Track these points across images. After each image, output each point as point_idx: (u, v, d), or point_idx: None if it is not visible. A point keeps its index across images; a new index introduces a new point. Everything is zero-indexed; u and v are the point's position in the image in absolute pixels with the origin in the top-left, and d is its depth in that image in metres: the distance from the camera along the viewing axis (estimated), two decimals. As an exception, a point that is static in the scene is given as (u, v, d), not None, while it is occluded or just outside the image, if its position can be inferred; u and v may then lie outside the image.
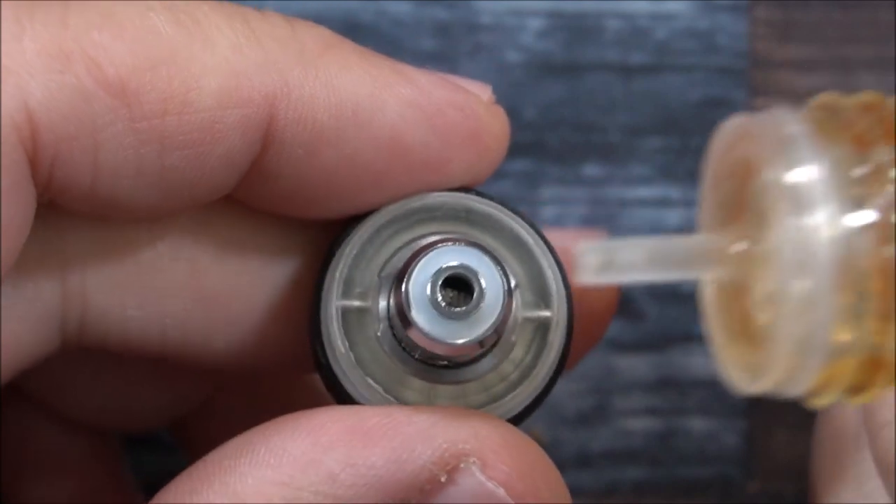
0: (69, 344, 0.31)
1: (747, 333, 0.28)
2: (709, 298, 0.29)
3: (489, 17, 0.45)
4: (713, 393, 0.45)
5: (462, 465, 0.27)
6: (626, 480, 0.44)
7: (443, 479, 0.27)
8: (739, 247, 0.27)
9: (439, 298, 0.28)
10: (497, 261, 0.28)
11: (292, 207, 0.30)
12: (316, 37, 0.29)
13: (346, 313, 0.29)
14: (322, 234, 0.31)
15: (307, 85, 0.28)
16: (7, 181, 0.26)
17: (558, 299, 0.29)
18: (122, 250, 0.30)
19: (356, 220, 0.30)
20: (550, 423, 0.44)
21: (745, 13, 0.45)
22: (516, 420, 0.29)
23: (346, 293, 0.29)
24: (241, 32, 0.28)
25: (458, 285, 0.28)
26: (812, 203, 0.25)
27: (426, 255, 0.28)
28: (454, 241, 0.28)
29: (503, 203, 0.30)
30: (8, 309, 0.30)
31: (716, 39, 0.45)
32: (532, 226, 0.30)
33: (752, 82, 0.45)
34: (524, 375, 0.29)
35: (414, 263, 0.28)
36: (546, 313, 0.29)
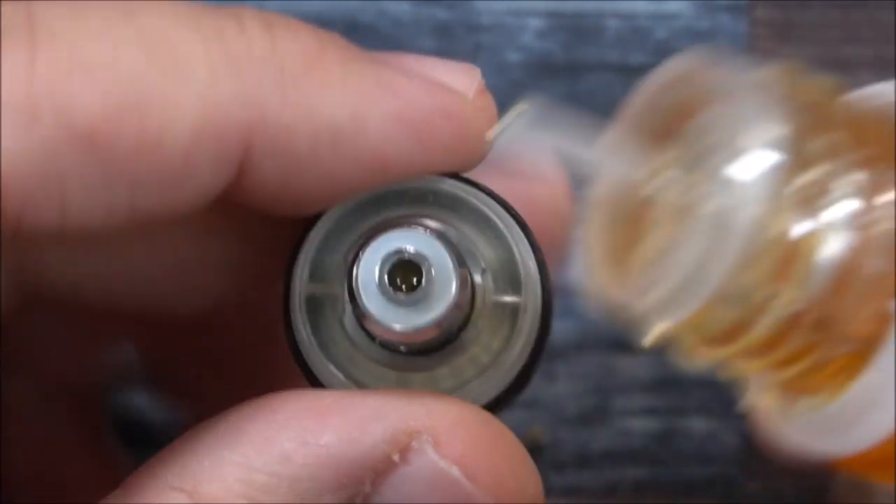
0: (29, 298, 0.31)
1: (627, 247, 0.30)
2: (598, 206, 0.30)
3: (489, 17, 0.45)
4: (713, 393, 0.45)
5: (414, 444, 0.27)
6: (626, 480, 0.45)
7: (396, 459, 0.27)
8: (665, 171, 0.28)
9: (386, 283, 0.28)
10: (450, 244, 0.28)
11: (268, 211, 0.29)
12: (297, 52, 0.28)
13: (311, 298, 0.29)
14: None
15: (285, 114, 0.27)
16: None
17: (529, 284, 0.29)
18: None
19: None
20: (550, 423, 0.44)
21: (745, 13, 0.45)
22: (491, 408, 0.29)
23: (312, 278, 0.29)
24: (218, 58, 0.27)
25: (409, 270, 0.28)
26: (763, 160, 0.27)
27: (374, 240, 0.28)
28: (405, 224, 0.28)
29: (475, 184, 0.29)
30: None
31: (716, 39, 0.45)
32: (506, 207, 0.29)
33: (752, 82, 0.45)
34: (494, 361, 0.29)
35: (362, 248, 0.28)
36: (514, 298, 0.29)
